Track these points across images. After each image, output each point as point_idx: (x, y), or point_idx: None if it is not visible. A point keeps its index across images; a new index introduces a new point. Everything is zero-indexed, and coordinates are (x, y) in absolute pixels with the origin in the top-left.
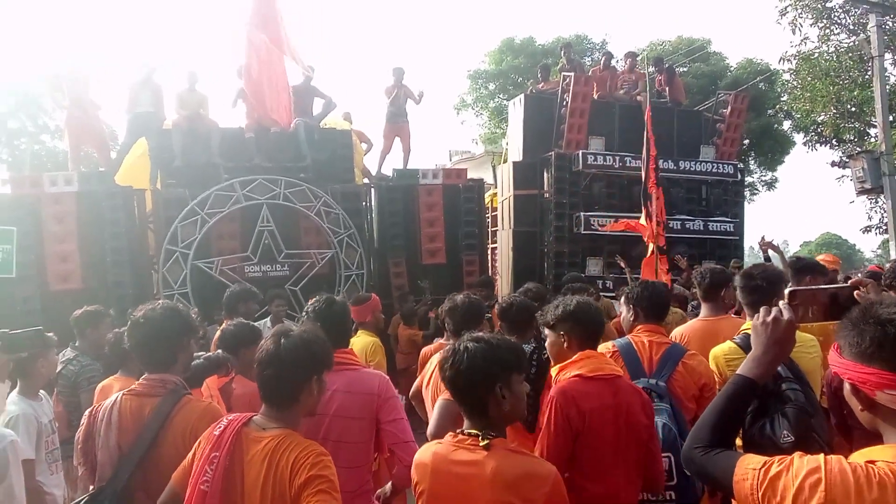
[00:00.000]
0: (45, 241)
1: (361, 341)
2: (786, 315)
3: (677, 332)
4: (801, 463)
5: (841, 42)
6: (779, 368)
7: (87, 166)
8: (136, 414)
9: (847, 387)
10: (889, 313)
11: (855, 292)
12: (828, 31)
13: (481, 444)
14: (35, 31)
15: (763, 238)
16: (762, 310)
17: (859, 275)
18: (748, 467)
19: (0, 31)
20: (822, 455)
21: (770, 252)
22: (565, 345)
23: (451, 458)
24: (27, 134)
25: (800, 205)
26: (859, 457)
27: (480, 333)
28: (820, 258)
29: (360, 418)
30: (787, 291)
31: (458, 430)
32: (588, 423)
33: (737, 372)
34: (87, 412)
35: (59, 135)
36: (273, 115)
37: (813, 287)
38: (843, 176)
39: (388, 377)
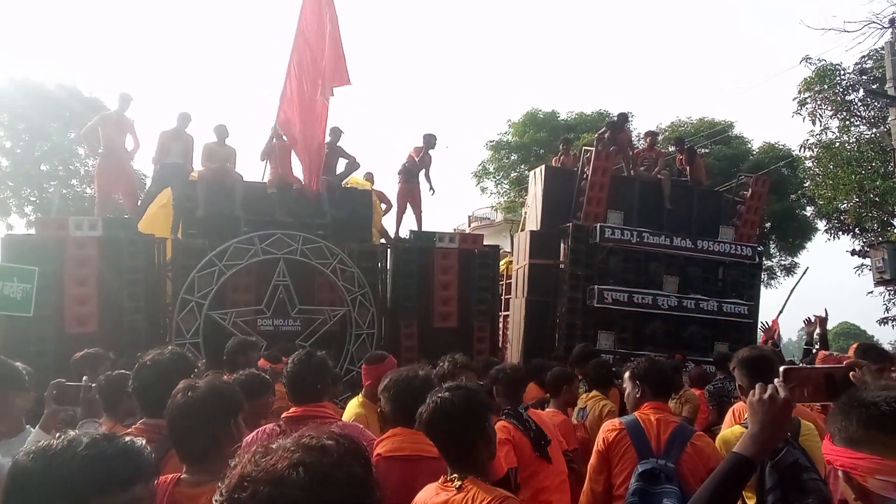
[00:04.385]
0: (66, 283)
1: (351, 408)
2: (782, 393)
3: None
4: None
5: (862, 133)
6: (800, 459)
7: (113, 212)
8: None
9: (841, 475)
10: (874, 395)
11: (850, 373)
12: (848, 122)
13: (454, 485)
14: (76, 79)
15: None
16: (757, 387)
17: None
18: None
19: (42, 78)
20: None
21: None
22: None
23: (431, 500)
24: (58, 177)
25: (819, 293)
26: None
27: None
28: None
29: None
30: (781, 370)
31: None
32: None
33: (733, 450)
34: None
35: (87, 180)
36: (301, 175)
37: (808, 367)
38: (862, 265)
39: (362, 427)
